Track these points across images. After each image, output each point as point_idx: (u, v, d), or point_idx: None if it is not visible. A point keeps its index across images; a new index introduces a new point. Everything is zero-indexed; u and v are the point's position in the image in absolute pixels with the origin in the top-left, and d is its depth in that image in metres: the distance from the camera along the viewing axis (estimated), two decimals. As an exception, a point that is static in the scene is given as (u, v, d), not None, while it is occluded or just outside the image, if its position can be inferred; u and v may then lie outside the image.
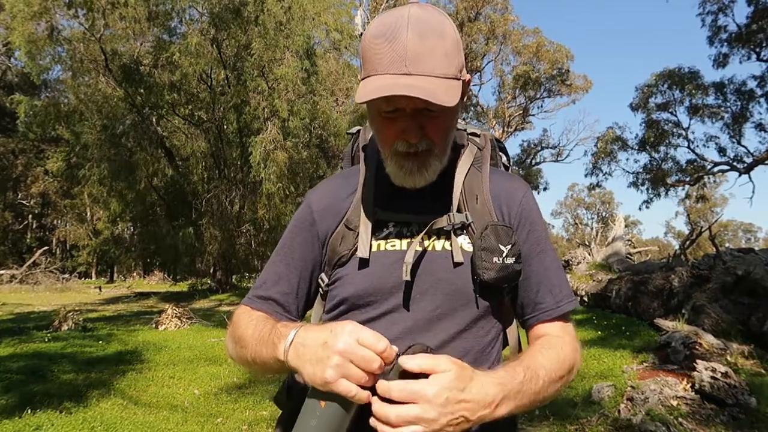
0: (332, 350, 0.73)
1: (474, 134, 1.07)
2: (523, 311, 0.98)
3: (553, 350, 0.90)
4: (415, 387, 0.72)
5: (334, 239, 0.97)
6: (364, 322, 0.92)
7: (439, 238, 0.94)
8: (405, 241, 0.93)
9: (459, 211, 0.94)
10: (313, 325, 0.82)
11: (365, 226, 0.93)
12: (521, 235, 0.96)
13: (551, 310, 0.95)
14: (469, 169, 0.99)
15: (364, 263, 0.92)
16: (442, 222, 0.93)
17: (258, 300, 0.99)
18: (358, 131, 1.13)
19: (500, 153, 1.12)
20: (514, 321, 1.01)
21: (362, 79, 0.87)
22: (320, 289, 1.01)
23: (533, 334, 0.98)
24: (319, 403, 0.75)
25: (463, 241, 0.93)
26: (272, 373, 0.90)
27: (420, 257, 0.92)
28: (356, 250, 0.93)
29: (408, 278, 0.88)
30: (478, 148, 1.04)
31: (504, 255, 0.89)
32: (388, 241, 0.94)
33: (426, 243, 0.93)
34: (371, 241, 0.93)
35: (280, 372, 0.87)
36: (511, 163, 1.16)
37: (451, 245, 0.92)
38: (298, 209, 1.04)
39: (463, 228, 0.94)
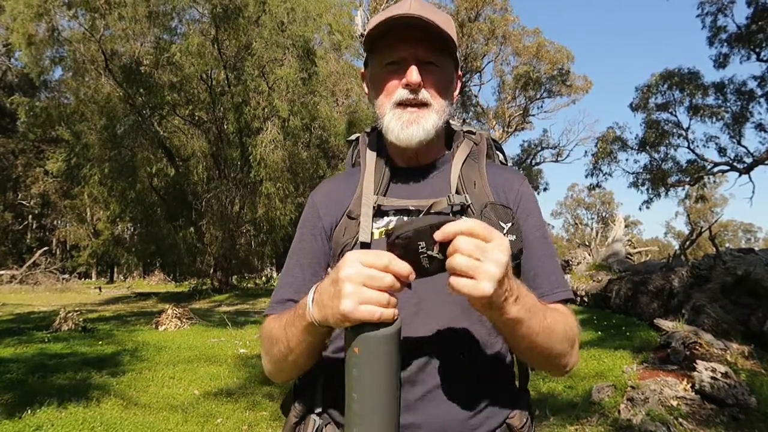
0: (341, 281, 0.71)
1: (470, 132, 1.10)
2: None
3: (559, 313, 0.89)
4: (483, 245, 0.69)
5: (337, 231, 0.99)
6: None
7: None
8: None
9: (458, 193, 0.96)
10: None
11: (366, 213, 0.95)
12: (519, 221, 0.97)
13: (547, 295, 0.95)
14: (465, 160, 1.02)
15: (366, 248, 0.93)
16: (442, 204, 0.95)
17: (277, 305, 1.00)
18: (358, 138, 1.15)
19: (497, 152, 1.14)
20: None
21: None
22: None
23: None
24: (353, 350, 0.69)
25: None
26: (312, 352, 0.87)
27: None
28: (358, 237, 0.94)
29: None
30: (474, 143, 1.07)
31: (505, 231, 0.90)
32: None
33: None
34: (373, 228, 0.95)
35: (319, 344, 0.85)
36: (507, 162, 1.18)
37: None
38: (303, 210, 1.07)
39: (463, 209, 0.95)
